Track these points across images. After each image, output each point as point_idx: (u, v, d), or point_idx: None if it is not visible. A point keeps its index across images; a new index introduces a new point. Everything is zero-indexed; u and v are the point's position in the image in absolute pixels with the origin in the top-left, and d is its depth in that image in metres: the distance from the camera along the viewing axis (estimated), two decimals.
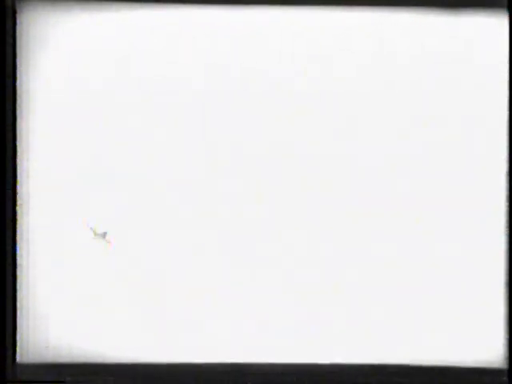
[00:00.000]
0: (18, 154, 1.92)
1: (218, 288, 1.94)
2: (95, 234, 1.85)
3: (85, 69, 1.93)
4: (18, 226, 1.92)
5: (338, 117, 1.94)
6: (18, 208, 1.92)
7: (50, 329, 1.93)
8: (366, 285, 1.94)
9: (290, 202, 1.94)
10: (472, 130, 1.95)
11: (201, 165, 1.94)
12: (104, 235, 1.89)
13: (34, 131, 1.92)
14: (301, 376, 1.93)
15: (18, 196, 1.92)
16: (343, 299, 1.95)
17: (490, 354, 1.95)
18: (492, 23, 1.93)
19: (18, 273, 1.92)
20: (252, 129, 1.94)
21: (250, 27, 1.94)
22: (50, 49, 1.92)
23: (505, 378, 1.92)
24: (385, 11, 1.93)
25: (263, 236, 1.94)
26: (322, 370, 1.93)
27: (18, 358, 1.93)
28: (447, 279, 1.95)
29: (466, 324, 1.95)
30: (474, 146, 1.95)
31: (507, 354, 1.93)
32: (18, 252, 1.92)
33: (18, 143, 1.92)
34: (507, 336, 1.93)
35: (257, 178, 1.94)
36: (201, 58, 1.94)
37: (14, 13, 1.90)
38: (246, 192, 1.94)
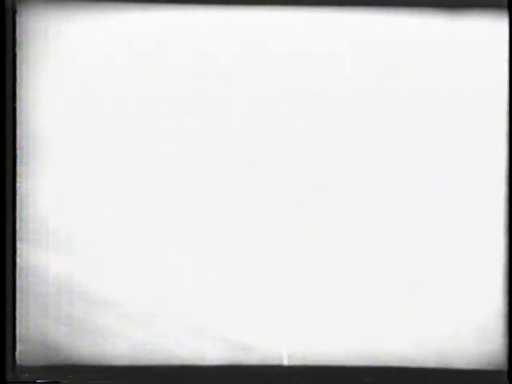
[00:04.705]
0: (18, 155, 1.92)
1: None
2: None
3: (85, 69, 1.93)
4: (18, 225, 1.92)
5: (336, 116, 1.94)
6: (17, 206, 1.92)
7: (49, 330, 1.93)
8: (365, 286, 1.95)
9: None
10: (472, 130, 1.95)
11: (201, 164, 1.94)
12: None
13: (34, 132, 1.92)
14: (301, 376, 1.93)
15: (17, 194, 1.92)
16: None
17: (489, 355, 1.96)
18: (492, 23, 1.94)
19: (18, 274, 1.92)
20: (252, 129, 1.94)
21: (249, 27, 1.94)
22: (49, 49, 1.92)
23: (505, 380, 1.92)
24: (384, 12, 1.94)
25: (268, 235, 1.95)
26: (321, 370, 1.93)
27: (18, 360, 1.92)
28: (447, 279, 1.95)
29: (466, 324, 1.96)
30: (474, 146, 1.95)
31: (507, 355, 1.93)
32: (18, 253, 1.92)
33: (18, 144, 1.92)
34: (507, 337, 1.94)
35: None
36: (201, 58, 1.94)
37: (14, 13, 1.90)
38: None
